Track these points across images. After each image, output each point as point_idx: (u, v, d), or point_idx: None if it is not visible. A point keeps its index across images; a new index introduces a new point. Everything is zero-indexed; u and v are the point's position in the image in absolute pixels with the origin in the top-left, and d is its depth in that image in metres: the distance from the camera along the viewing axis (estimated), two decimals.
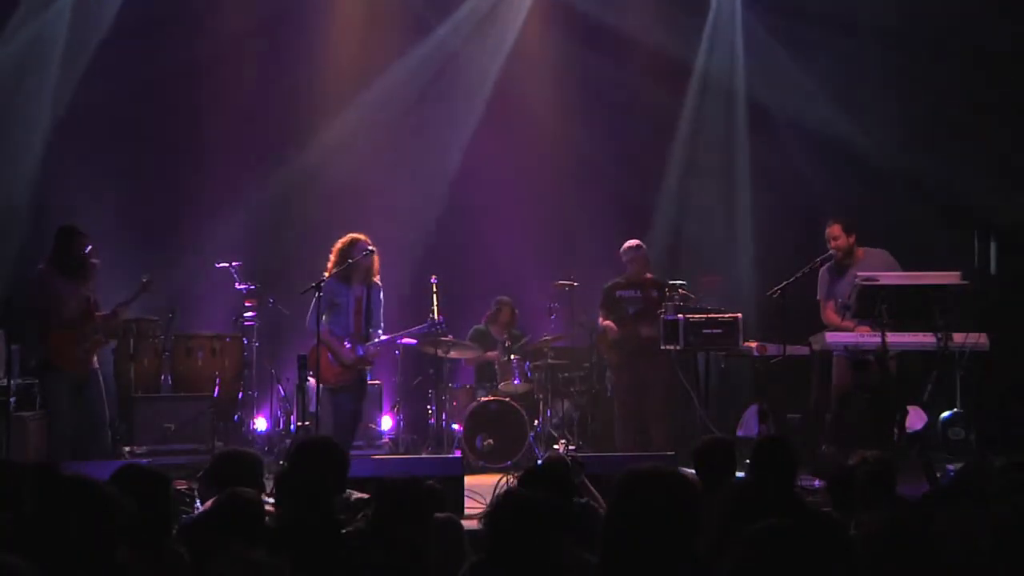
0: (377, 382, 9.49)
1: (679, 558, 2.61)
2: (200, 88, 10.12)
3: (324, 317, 7.68)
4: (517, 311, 9.85)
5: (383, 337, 7.86)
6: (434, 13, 10.72)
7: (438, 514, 4.05)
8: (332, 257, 7.77)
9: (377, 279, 7.84)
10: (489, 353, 9.59)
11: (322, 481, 4.02)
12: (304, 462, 4.28)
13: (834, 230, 7.89)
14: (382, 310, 7.88)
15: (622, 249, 8.87)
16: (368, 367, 7.90)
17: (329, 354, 7.66)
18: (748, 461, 7.42)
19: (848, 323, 7.72)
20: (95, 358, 7.65)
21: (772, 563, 2.49)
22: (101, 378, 7.68)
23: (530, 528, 3.16)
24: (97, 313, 7.65)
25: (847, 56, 9.98)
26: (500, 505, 3.34)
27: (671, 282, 8.50)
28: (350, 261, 7.64)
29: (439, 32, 10.74)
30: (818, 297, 8.00)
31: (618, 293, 8.85)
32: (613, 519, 2.73)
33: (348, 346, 7.71)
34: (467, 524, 4.47)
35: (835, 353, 7.74)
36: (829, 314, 7.93)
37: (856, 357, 7.63)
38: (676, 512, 2.65)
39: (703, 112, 10.54)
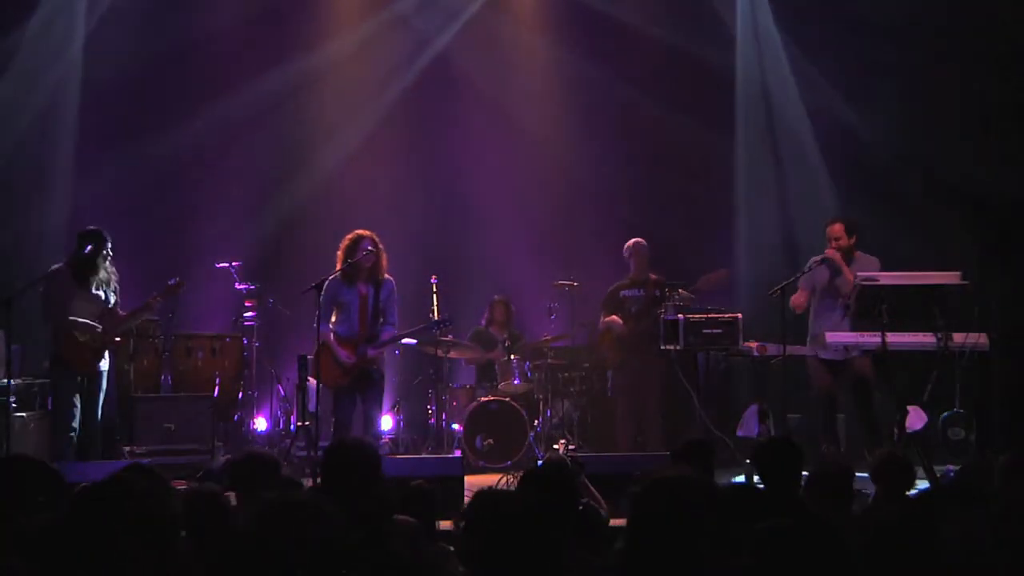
0: None
1: (691, 561, 2.60)
2: (199, 88, 10.12)
3: (333, 317, 7.67)
4: (513, 308, 9.85)
5: (384, 337, 7.79)
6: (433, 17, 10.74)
7: (401, 516, 4.01)
8: (339, 255, 7.71)
9: (387, 276, 7.76)
10: (489, 353, 9.58)
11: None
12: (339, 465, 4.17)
13: (836, 229, 7.88)
14: (396, 306, 7.81)
15: (624, 248, 8.90)
16: (372, 367, 7.75)
17: (331, 355, 7.65)
18: (748, 461, 7.51)
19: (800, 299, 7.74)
20: (104, 360, 7.63)
21: (773, 563, 2.50)
22: (105, 382, 7.67)
23: (515, 529, 3.01)
24: (121, 312, 7.64)
25: (859, 54, 9.97)
26: (477, 510, 3.14)
27: (671, 282, 8.51)
28: (350, 261, 7.62)
29: (437, 35, 10.75)
30: (799, 281, 7.86)
31: (622, 293, 8.87)
32: (635, 526, 2.69)
33: (344, 354, 7.68)
34: None
35: (807, 356, 7.77)
36: (799, 297, 7.89)
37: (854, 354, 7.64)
38: (696, 518, 2.63)
39: (710, 110, 10.50)
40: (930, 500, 4.28)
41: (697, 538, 2.59)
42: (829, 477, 4.48)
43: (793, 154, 10.35)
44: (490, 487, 3.41)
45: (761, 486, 4.40)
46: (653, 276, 8.84)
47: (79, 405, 7.48)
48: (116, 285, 7.68)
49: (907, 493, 4.70)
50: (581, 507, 4.53)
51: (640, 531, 2.65)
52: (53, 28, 9.98)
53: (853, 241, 7.87)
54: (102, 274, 7.57)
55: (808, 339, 7.95)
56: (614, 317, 8.80)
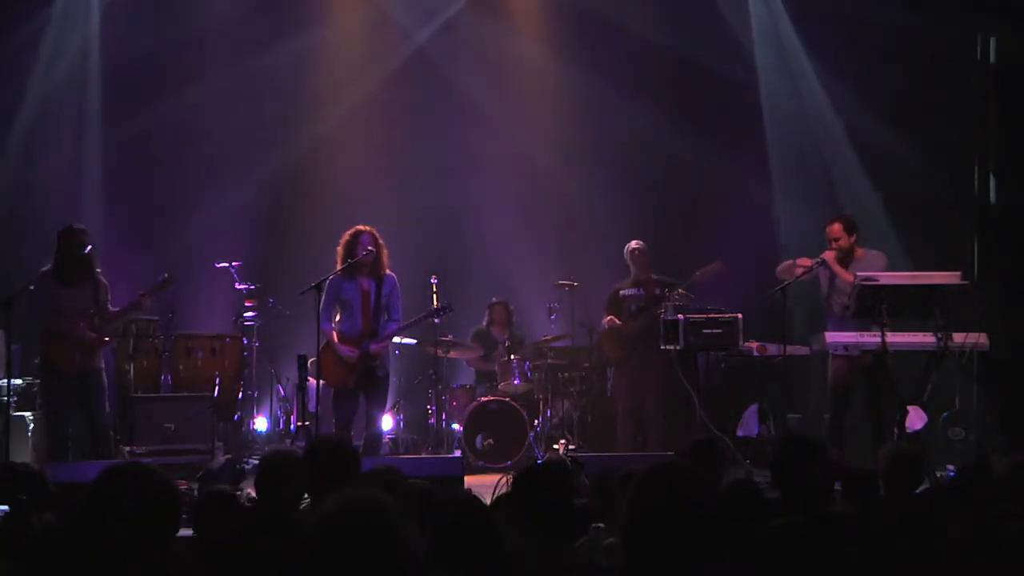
0: None
1: (697, 557, 2.58)
2: (198, 87, 10.11)
3: (337, 316, 7.66)
4: (513, 307, 9.85)
5: (387, 331, 7.74)
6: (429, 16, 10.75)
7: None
8: (339, 251, 7.69)
9: (388, 271, 7.73)
10: (489, 363, 9.57)
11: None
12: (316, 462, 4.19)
13: (835, 229, 7.85)
14: (400, 302, 7.78)
15: (625, 251, 8.90)
16: (375, 363, 7.70)
17: (334, 354, 7.63)
18: (748, 461, 7.51)
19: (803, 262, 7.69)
20: (98, 359, 7.60)
21: (777, 563, 2.50)
22: (104, 379, 7.64)
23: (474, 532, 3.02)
24: (111, 309, 7.60)
25: (859, 54, 9.96)
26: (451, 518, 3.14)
27: (671, 282, 8.51)
28: (350, 261, 7.60)
29: (436, 33, 10.75)
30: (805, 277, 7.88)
31: (622, 293, 8.88)
32: (634, 520, 2.67)
33: (346, 350, 7.67)
34: None
35: (832, 352, 7.73)
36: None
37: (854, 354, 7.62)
38: (695, 512, 2.62)
39: (710, 110, 10.48)
40: (931, 500, 4.29)
41: (697, 531, 2.58)
42: (856, 479, 4.45)
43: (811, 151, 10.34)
44: (467, 490, 3.41)
45: (762, 486, 4.39)
46: (654, 276, 8.84)
47: (73, 407, 7.45)
48: (104, 283, 7.64)
49: (915, 491, 4.67)
50: (579, 507, 4.53)
51: (638, 526, 2.64)
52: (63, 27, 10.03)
53: (853, 240, 7.85)
54: (93, 272, 7.53)
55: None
56: (612, 316, 8.81)
